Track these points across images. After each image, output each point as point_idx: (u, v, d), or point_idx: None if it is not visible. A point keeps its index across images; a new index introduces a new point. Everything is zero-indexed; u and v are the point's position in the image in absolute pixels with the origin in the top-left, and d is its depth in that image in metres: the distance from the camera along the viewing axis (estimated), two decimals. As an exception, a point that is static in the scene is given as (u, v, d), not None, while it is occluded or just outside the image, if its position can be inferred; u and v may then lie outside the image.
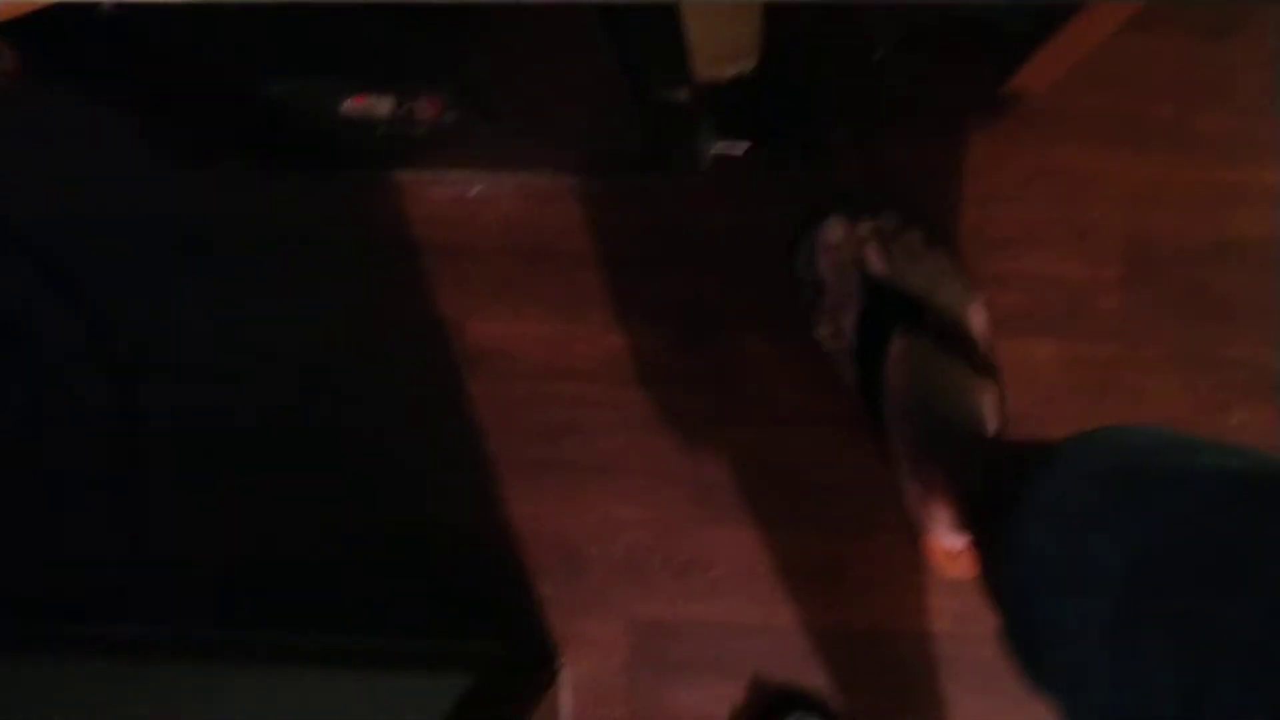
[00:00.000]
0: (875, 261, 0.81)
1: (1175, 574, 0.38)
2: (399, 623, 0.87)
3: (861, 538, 0.86)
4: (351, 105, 0.64)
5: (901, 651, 0.86)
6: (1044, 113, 0.83)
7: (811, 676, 0.87)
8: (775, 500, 0.86)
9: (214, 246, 0.88)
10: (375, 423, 0.88)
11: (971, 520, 0.68)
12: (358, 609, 0.88)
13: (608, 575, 0.87)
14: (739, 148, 0.81)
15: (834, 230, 0.81)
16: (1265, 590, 0.35)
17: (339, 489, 0.88)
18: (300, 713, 0.75)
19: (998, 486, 0.59)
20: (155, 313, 0.88)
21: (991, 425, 0.78)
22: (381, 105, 0.64)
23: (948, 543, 0.76)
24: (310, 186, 0.86)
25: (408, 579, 0.87)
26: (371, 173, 0.85)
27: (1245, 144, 0.83)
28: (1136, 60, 0.83)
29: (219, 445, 0.89)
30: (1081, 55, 0.79)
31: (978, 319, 0.82)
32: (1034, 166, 0.84)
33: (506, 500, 0.87)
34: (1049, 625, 0.48)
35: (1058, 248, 0.84)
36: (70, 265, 0.88)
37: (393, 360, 0.87)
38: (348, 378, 0.88)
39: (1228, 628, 0.35)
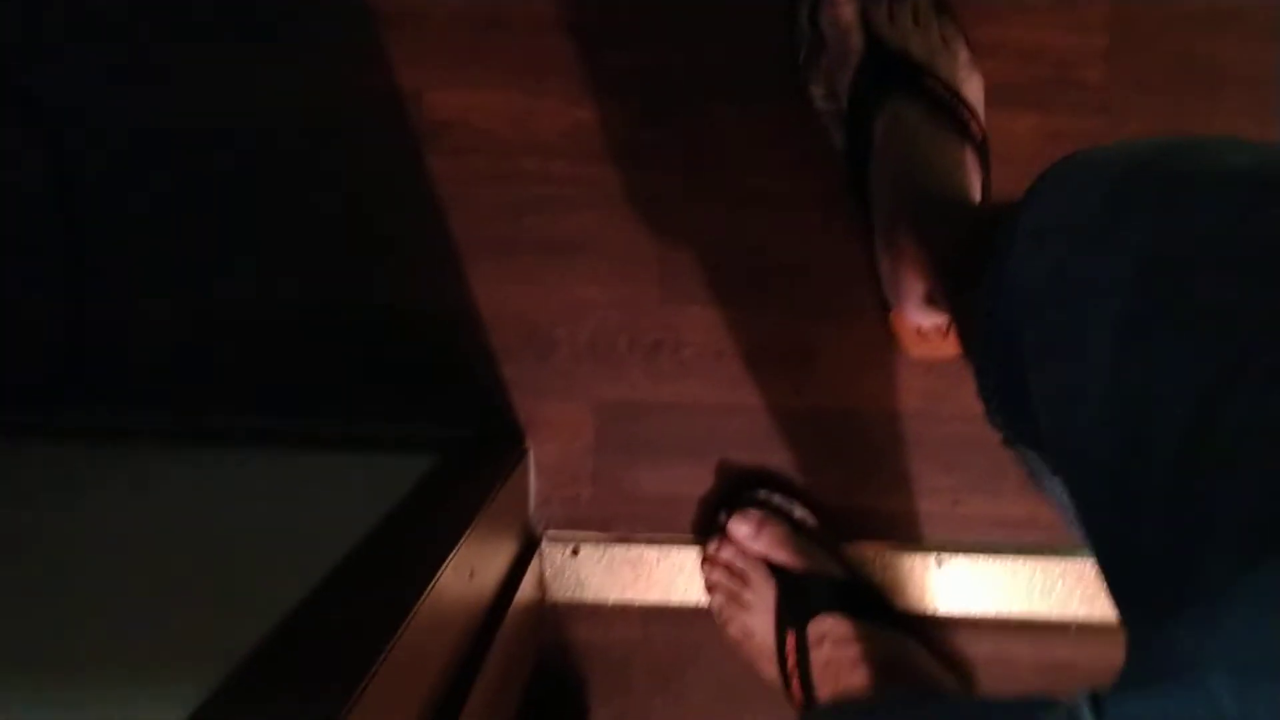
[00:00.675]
0: (881, 21, 0.77)
1: (1202, 271, 0.35)
2: (360, 406, 0.86)
3: (832, 318, 0.85)
4: None
5: (870, 431, 0.86)
6: None
7: (779, 457, 0.87)
8: (745, 280, 0.84)
9: (152, 10, 0.82)
10: (331, 198, 0.84)
11: (948, 281, 0.66)
12: (316, 392, 0.86)
13: (574, 357, 0.85)
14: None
15: None
16: None
17: (293, 266, 0.85)
18: (263, 494, 0.74)
19: (978, 239, 0.56)
20: (88, 85, 0.83)
21: (976, 199, 0.75)
22: None
23: (918, 318, 0.75)
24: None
25: (368, 361, 0.85)
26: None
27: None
28: None
29: (163, 220, 0.85)
30: None
31: (976, 92, 0.79)
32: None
33: (469, 280, 0.84)
34: (1040, 349, 0.44)
35: (1044, 16, 0.81)
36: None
37: (347, 132, 0.83)
38: (300, 149, 0.84)
39: (1262, 317, 0.32)
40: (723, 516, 0.84)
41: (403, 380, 0.86)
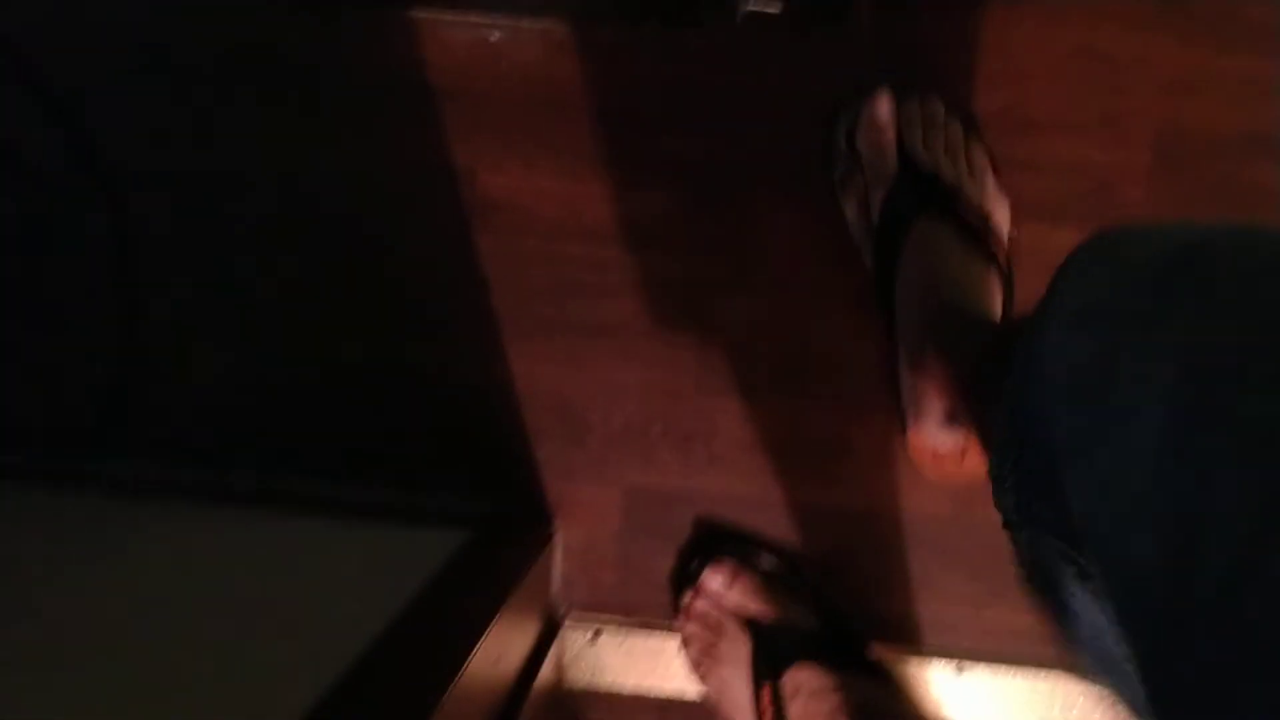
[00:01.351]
0: (915, 145, 0.79)
1: (1250, 379, 0.33)
2: (395, 474, 0.86)
3: (865, 418, 0.85)
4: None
5: (897, 532, 0.86)
6: (1089, -10, 0.81)
7: (804, 553, 0.86)
8: (781, 374, 0.85)
9: (219, 78, 0.84)
10: (380, 267, 0.85)
11: (971, 396, 0.66)
12: (354, 458, 0.86)
13: (606, 440, 0.86)
14: (774, 4, 0.78)
15: (882, 107, 0.79)
16: None
17: (340, 333, 0.86)
18: (294, 558, 0.74)
19: (1001, 352, 0.54)
20: (154, 142, 0.85)
21: (998, 320, 0.76)
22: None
23: (937, 438, 0.75)
24: (323, 19, 0.82)
25: (406, 431, 0.86)
26: (391, 8, 0.81)
27: (1291, 37, 0.81)
28: (1189, -60, 0.80)
29: (217, 283, 0.86)
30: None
31: (1002, 218, 0.81)
32: (1073, 47, 0.81)
33: (510, 357, 0.85)
34: (1080, 433, 0.41)
35: (1088, 132, 0.82)
36: (62, 86, 0.85)
37: (401, 204, 0.85)
38: (354, 218, 0.85)
39: None
40: (695, 565, 0.84)
41: (439, 450, 0.86)
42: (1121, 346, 0.40)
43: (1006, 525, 0.54)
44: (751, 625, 0.81)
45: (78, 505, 0.81)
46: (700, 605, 0.83)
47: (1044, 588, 0.49)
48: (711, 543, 0.86)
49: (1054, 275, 0.47)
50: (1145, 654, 0.37)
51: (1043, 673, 0.86)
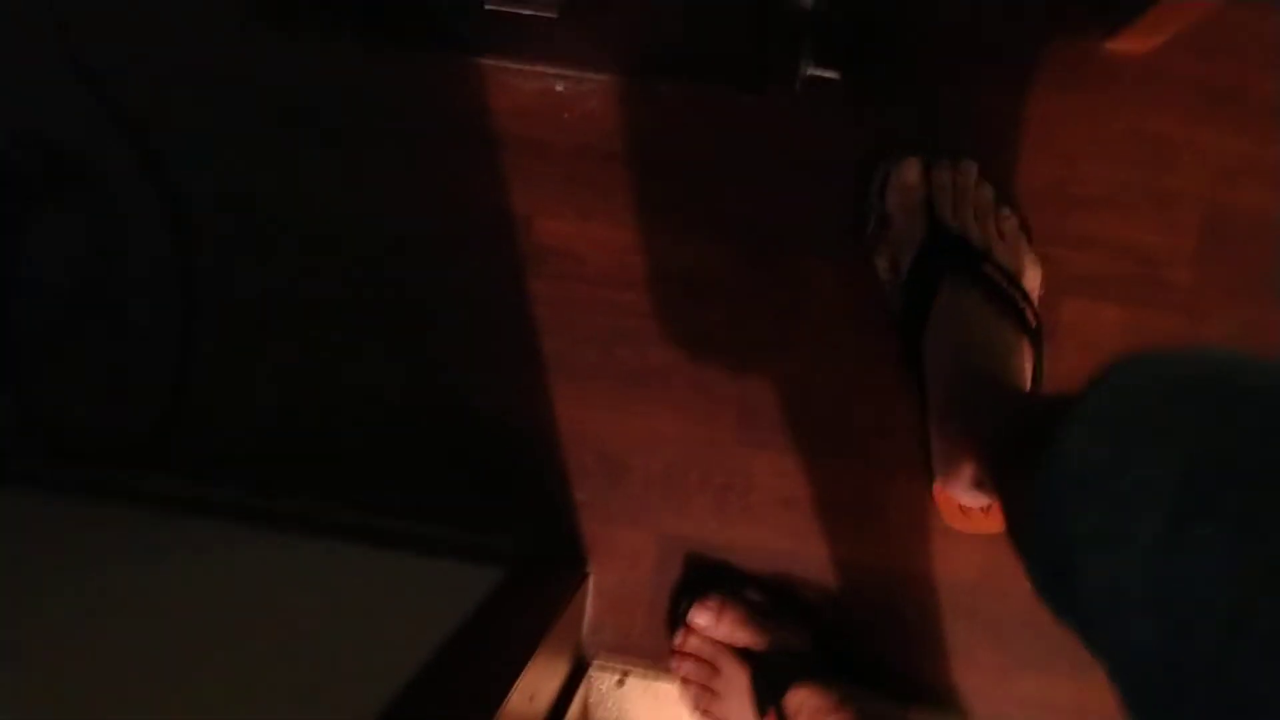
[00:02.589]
0: (945, 209, 0.81)
1: (1240, 477, 0.37)
2: (433, 508, 0.88)
3: (902, 479, 0.86)
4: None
5: (926, 597, 0.87)
6: (1143, 76, 0.82)
7: (831, 612, 0.87)
8: (820, 432, 0.86)
9: (293, 116, 0.87)
10: (433, 308, 0.88)
11: (997, 468, 0.67)
12: (394, 491, 0.88)
13: (645, 486, 0.87)
14: (832, 71, 0.80)
15: (910, 170, 0.81)
16: None
17: (390, 371, 0.88)
18: (333, 586, 0.75)
19: (1028, 428, 0.58)
20: (221, 175, 0.88)
21: (1026, 386, 0.77)
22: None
23: (964, 499, 0.77)
24: (397, 65, 0.85)
25: (448, 467, 0.88)
26: (462, 56, 0.84)
27: (1342, 130, 0.82)
28: (1244, 31, 0.81)
29: (274, 317, 0.88)
30: (1190, 21, 0.78)
31: (1033, 282, 0.82)
32: (1125, 129, 0.83)
33: (554, 400, 0.87)
34: (1089, 536, 0.45)
35: (1137, 213, 0.84)
36: (143, 116, 0.88)
37: (457, 247, 0.87)
38: (410, 259, 0.87)
39: None
40: (683, 605, 0.85)
41: (479, 487, 0.88)
42: (1134, 453, 0.43)
43: (1056, 617, 0.56)
44: (746, 655, 0.82)
45: (121, 519, 0.82)
46: (692, 643, 0.84)
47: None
48: (698, 583, 0.87)
49: (1087, 384, 0.50)
50: None
51: (1065, 746, 0.86)
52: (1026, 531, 0.55)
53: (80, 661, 0.60)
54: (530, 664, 0.64)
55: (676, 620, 0.86)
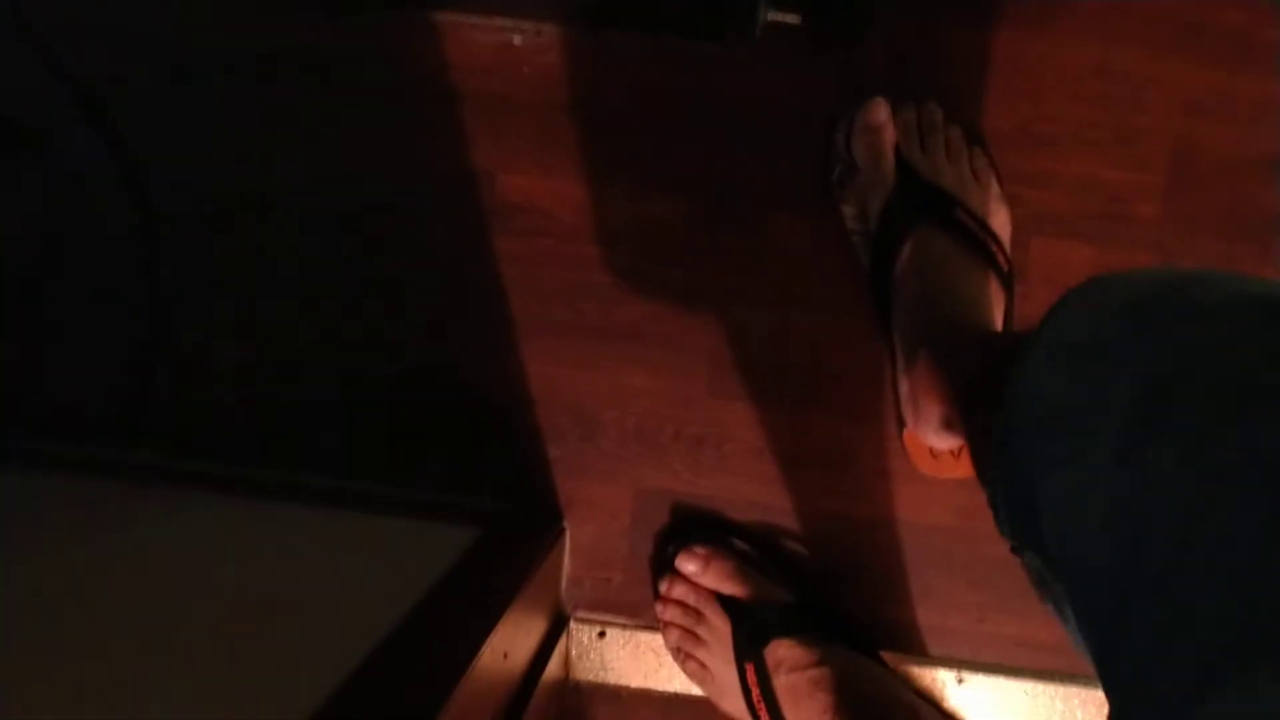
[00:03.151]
0: (913, 151, 0.80)
1: (1187, 396, 0.37)
2: (408, 471, 0.88)
3: (873, 426, 0.86)
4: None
5: (901, 541, 0.87)
6: (1108, 12, 0.81)
7: (808, 558, 0.87)
8: (791, 382, 0.86)
9: (250, 79, 0.86)
10: (398, 267, 0.87)
11: (965, 407, 0.68)
12: (368, 454, 0.88)
13: (619, 441, 0.87)
14: (793, 17, 0.79)
15: (877, 112, 0.80)
16: (1275, 411, 0.34)
17: (358, 332, 0.87)
18: (307, 550, 0.75)
19: (996, 365, 0.57)
20: (180, 140, 0.87)
21: (997, 328, 0.77)
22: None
23: (933, 441, 0.77)
24: (352, 24, 0.84)
25: (419, 429, 0.88)
26: (417, 12, 0.82)
27: (1310, 60, 0.82)
28: (1209, -38, 0.80)
29: (238, 280, 0.88)
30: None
31: (1004, 224, 0.81)
32: (1091, 66, 0.82)
33: (524, 359, 0.86)
34: (1049, 459, 0.45)
35: (1104, 151, 0.83)
36: (99, 85, 0.86)
37: (421, 205, 0.86)
38: (374, 218, 0.86)
39: (1234, 448, 0.34)
40: (670, 550, 0.86)
41: (451, 447, 0.88)
42: (1090, 376, 0.43)
43: (1011, 549, 0.56)
44: (729, 606, 0.82)
45: (95, 492, 0.82)
46: (677, 590, 0.84)
47: (1051, 604, 0.52)
48: (685, 529, 0.87)
49: (1042, 317, 0.50)
50: (1098, 648, 0.40)
51: (1042, 683, 0.87)
52: (991, 464, 0.55)
53: (57, 626, 0.60)
54: (502, 622, 0.64)
55: (663, 565, 0.86)
